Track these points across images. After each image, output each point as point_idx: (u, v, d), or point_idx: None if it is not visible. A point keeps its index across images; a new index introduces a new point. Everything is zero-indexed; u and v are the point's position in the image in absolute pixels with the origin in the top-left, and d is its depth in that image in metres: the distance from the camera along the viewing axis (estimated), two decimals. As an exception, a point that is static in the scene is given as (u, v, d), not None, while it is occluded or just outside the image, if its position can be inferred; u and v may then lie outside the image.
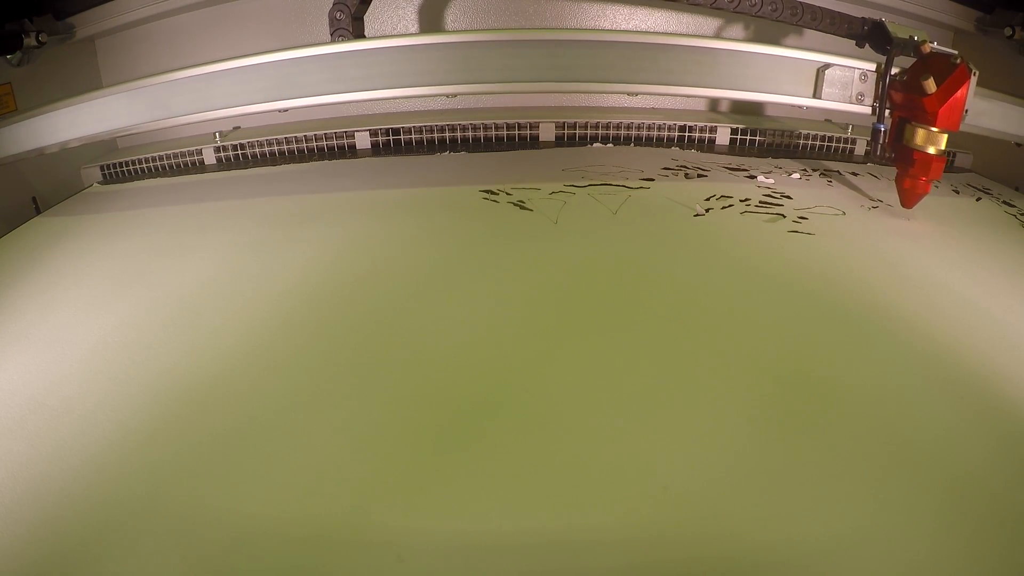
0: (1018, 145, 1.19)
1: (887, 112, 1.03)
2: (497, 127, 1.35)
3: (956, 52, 0.97)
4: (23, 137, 1.09)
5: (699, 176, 1.13)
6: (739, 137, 1.38)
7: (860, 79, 1.05)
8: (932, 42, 1.03)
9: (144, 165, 1.40)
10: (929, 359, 0.65)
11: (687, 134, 1.37)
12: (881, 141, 1.05)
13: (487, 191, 1.03)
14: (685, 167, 1.17)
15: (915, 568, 0.44)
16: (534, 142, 1.35)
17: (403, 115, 1.39)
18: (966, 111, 0.99)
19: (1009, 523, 0.48)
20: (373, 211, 1.00)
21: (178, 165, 1.39)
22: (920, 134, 0.99)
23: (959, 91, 0.96)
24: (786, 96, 1.05)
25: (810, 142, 1.38)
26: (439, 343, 0.68)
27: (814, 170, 1.22)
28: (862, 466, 0.53)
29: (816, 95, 1.05)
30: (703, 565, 0.45)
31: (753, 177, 1.14)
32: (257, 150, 1.38)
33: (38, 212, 1.27)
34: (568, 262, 0.82)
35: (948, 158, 1.43)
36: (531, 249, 0.85)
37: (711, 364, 0.64)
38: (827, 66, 1.04)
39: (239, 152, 1.38)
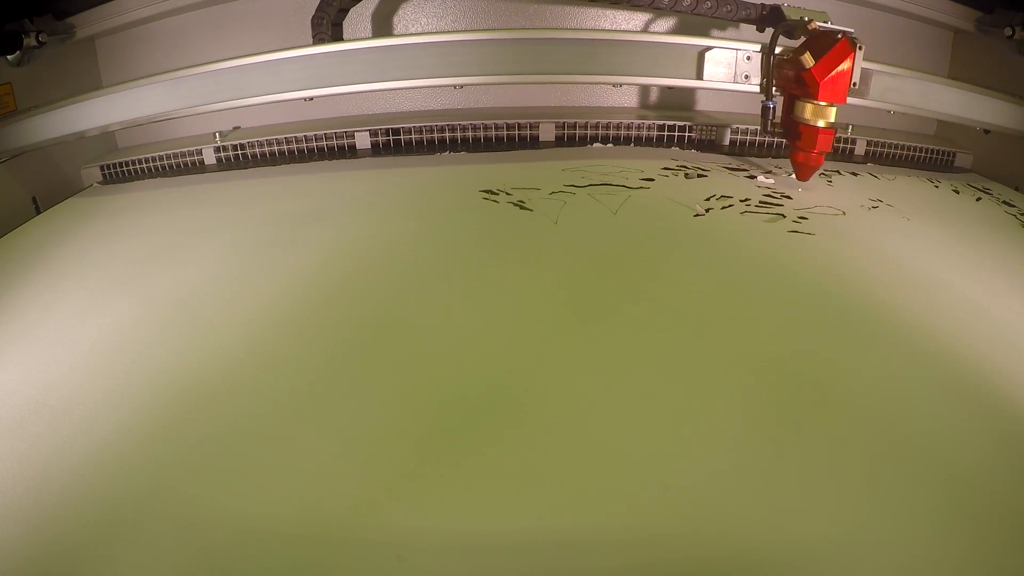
0: (986, 132, 1.22)
1: (775, 91, 1.10)
2: (497, 127, 1.35)
3: (847, 29, 1.03)
4: (47, 127, 1.15)
5: (699, 176, 1.13)
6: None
7: (744, 60, 1.12)
8: (826, 22, 1.07)
9: (144, 165, 1.39)
10: (929, 359, 0.65)
11: (687, 134, 1.37)
12: (771, 118, 1.11)
13: (487, 191, 1.03)
14: (685, 167, 1.17)
15: (915, 567, 0.44)
16: (534, 142, 1.34)
17: (403, 115, 1.39)
18: (854, 84, 1.05)
19: (1008, 522, 0.48)
20: (372, 211, 0.99)
21: (178, 165, 1.39)
22: (808, 108, 1.05)
23: (841, 64, 1.01)
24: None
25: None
26: (439, 343, 0.68)
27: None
28: (862, 466, 0.53)
29: (699, 76, 1.12)
30: (703, 565, 0.45)
31: (753, 177, 1.14)
32: (257, 150, 1.38)
33: (38, 212, 1.27)
34: (568, 262, 0.82)
35: (948, 159, 1.43)
36: (531, 249, 0.85)
37: (711, 364, 0.64)
38: (708, 49, 1.11)
39: (239, 152, 1.38)
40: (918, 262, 0.85)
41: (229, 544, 0.47)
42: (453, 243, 0.88)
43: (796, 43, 1.09)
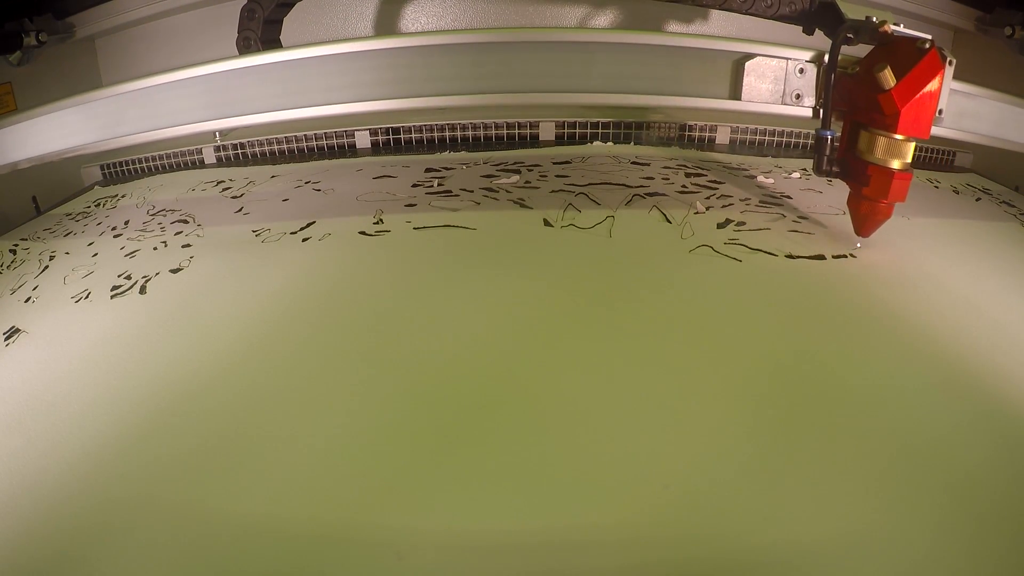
0: None
1: (832, 116, 0.82)
2: (497, 126, 1.35)
3: (928, 37, 0.75)
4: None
5: (699, 175, 1.13)
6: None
7: (796, 73, 0.82)
8: (898, 23, 0.78)
9: (144, 164, 1.40)
10: (929, 359, 0.65)
11: (687, 133, 1.37)
12: (827, 153, 0.83)
13: (487, 189, 1.04)
14: (685, 166, 1.17)
15: (916, 568, 0.44)
16: (534, 141, 1.35)
17: (403, 114, 1.39)
18: (940, 112, 0.77)
19: (1011, 524, 0.48)
20: (372, 210, 0.99)
21: (178, 164, 1.39)
22: (878, 143, 0.77)
23: (928, 85, 0.73)
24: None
25: (810, 141, 1.38)
26: (439, 342, 0.67)
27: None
28: (863, 466, 0.52)
29: (735, 95, 0.83)
30: (703, 565, 0.45)
31: (753, 177, 1.14)
32: (257, 149, 1.38)
33: (38, 211, 1.28)
34: (567, 260, 0.82)
35: (948, 159, 1.43)
36: (530, 248, 0.85)
37: (712, 363, 0.64)
38: (748, 56, 0.81)
39: (239, 152, 1.38)
40: (918, 262, 0.85)
41: (228, 542, 0.47)
42: (453, 242, 0.88)
43: (854, 53, 0.82)
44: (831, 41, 0.80)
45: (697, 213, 0.95)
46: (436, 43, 0.81)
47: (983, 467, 0.52)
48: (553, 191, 1.03)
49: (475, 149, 1.31)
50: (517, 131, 1.35)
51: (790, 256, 0.82)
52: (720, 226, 0.90)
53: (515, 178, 1.10)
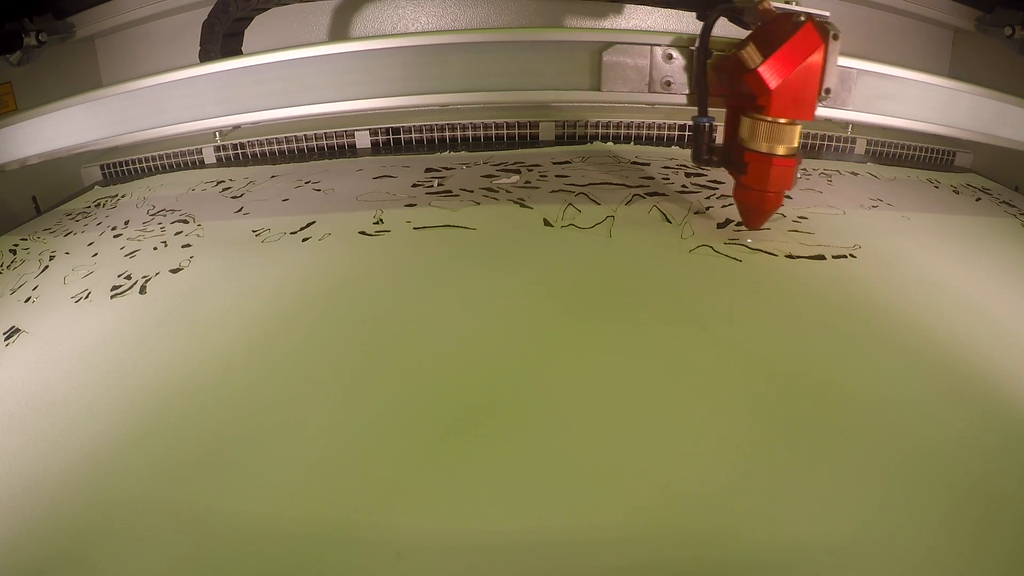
0: None
1: (711, 102, 0.77)
2: (497, 126, 1.35)
3: (820, 12, 0.70)
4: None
5: (699, 175, 1.13)
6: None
7: (663, 59, 0.77)
8: (790, 1, 0.72)
9: (144, 164, 1.40)
10: (929, 359, 0.65)
11: (687, 133, 1.36)
12: (706, 141, 0.79)
13: (487, 189, 1.04)
14: (685, 166, 1.17)
15: (916, 569, 0.44)
16: (534, 141, 1.35)
17: (403, 114, 1.39)
18: (826, 90, 0.72)
19: (1011, 524, 0.48)
20: (372, 210, 0.99)
21: (178, 164, 1.39)
22: (759, 128, 0.71)
23: (803, 61, 0.68)
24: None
25: (809, 141, 1.38)
26: (439, 342, 0.67)
27: (813, 169, 1.22)
28: (863, 465, 0.52)
29: (597, 86, 0.78)
30: (703, 565, 0.45)
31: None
32: (257, 149, 1.38)
33: (38, 211, 1.28)
34: (567, 260, 0.82)
35: (948, 158, 1.43)
36: (530, 248, 0.85)
37: (712, 363, 0.64)
38: (607, 45, 0.76)
39: (239, 152, 1.38)
40: (918, 262, 0.85)
41: (228, 542, 0.47)
42: (452, 241, 0.88)
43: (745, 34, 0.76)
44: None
45: (697, 213, 0.95)
46: (437, 43, 0.81)
47: (983, 467, 0.52)
48: (553, 191, 1.03)
49: (475, 149, 1.31)
50: (517, 131, 1.35)
51: (790, 256, 0.83)
52: (720, 226, 0.90)
53: (515, 178, 1.10)
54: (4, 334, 0.77)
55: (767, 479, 0.51)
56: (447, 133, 1.36)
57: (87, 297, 0.82)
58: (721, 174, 1.13)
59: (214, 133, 1.37)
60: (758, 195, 0.78)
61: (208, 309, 0.76)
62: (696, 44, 0.76)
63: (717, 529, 0.47)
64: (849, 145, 1.39)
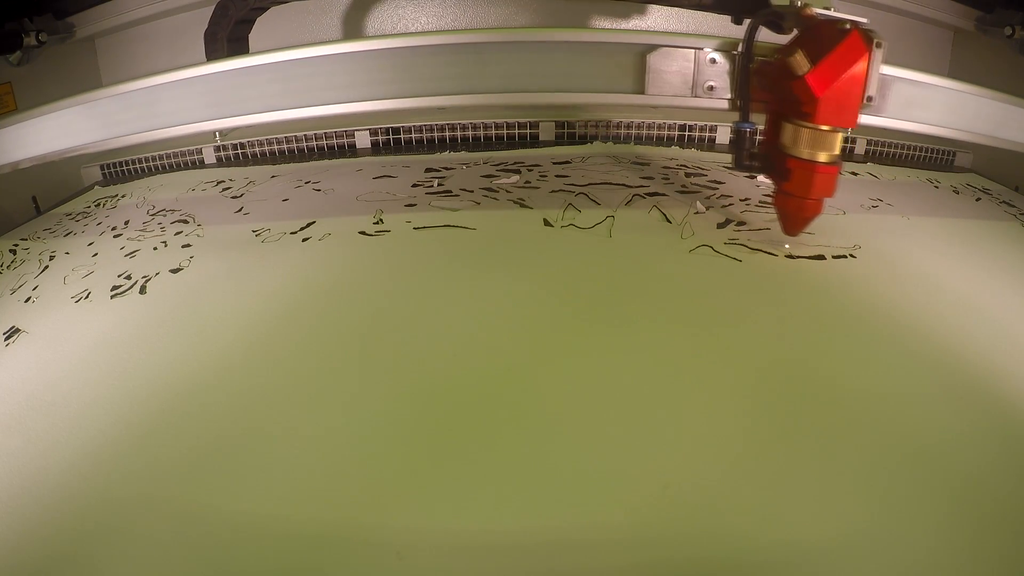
0: None
1: (753, 108, 0.78)
2: (497, 126, 1.35)
3: (859, 19, 0.70)
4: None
5: (699, 175, 1.13)
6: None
7: (707, 63, 0.77)
8: (828, 7, 0.72)
9: (144, 164, 1.40)
10: (929, 359, 0.65)
11: (687, 133, 1.37)
12: (747, 147, 0.78)
13: (487, 189, 1.04)
14: (685, 166, 1.17)
15: (916, 569, 0.44)
16: (534, 141, 1.35)
17: (403, 114, 1.39)
18: (869, 98, 0.72)
19: (1012, 524, 0.48)
20: (372, 210, 0.99)
21: (178, 164, 1.39)
22: (801, 135, 0.72)
23: (850, 69, 0.68)
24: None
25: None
26: (439, 342, 0.67)
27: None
28: (863, 466, 0.52)
29: (639, 89, 0.78)
30: (703, 565, 0.45)
31: (753, 176, 1.14)
32: (257, 149, 1.38)
33: (38, 212, 1.28)
34: (567, 260, 0.82)
35: (948, 158, 1.43)
36: (530, 248, 0.85)
37: (712, 363, 0.64)
38: (652, 48, 0.76)
39: (239, 152, 1.38)
40: (918, 262, 0.85)
41: (228, 542, 0.47)
42: (452, 241, 0.88)
43: (785, 40, 0.76)
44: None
45: (697, 213, 0.95)
46: (436, 43, 0.81)
47: (984, 467, 0.52)
48: (553, 191, 1.03)
49: (475, 149, 1.31)
50: (517, 131, 1.35)
51: (790, 256, 0.83)
52: (720, 226, 0.90)
53: (515, 178, 1.10)
54: (4, 334, 0.77)
55: (766, 479, 0.51)
56: (447, 133, 1.36)
57: (87, 297, 0.82)
58: (721, 174, 1.13)
59: (214, 133, 1.37)
60: (799, 202, 0.77)
61: (208, 309, 0.76)
62: (740, 49, 0.76)
63: (716, 529, 0.47)
64: (849, 145, 1.39)
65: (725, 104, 0.80)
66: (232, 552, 0.46)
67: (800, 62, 0.68)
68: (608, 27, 1.34)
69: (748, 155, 0.80)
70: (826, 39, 0.69)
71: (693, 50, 0.77)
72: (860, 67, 0.69)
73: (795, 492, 0.50)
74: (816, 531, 0.47)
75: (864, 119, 0.75)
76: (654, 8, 1.35)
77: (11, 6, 1.21)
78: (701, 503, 0.49)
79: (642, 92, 0.79)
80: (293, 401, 0.60)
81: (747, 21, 0.77)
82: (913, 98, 0.79)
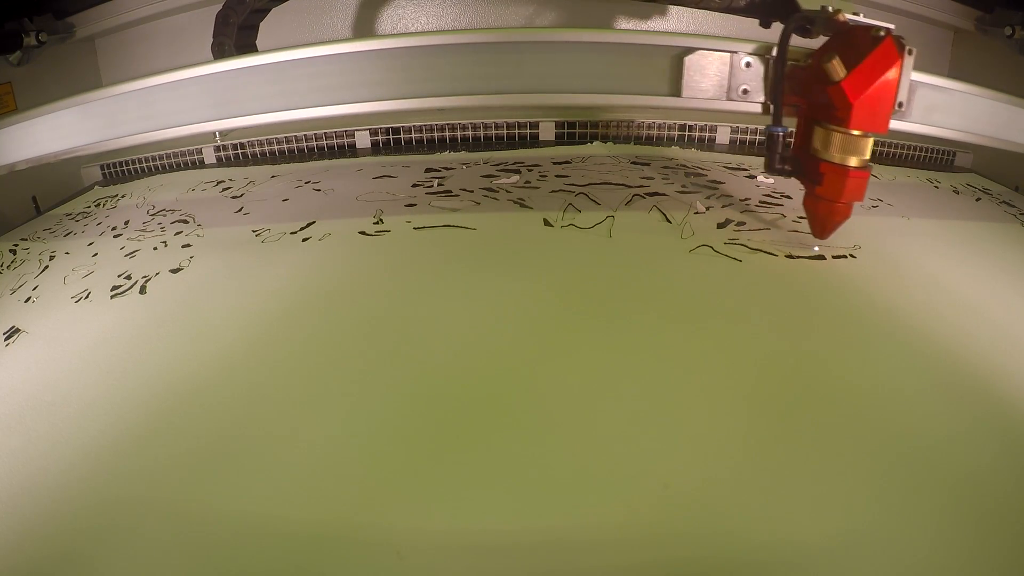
0: None
1: (785, 111, 0.78)
2: (497, 126, 1.35)
3: (888, 25, 0.71)
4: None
5: (699, 175, 1.13)
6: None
7: (742, 67, 0.78)
8: (857, 13, 0.74)
9: (144, 164, 1.40)
10: (929, 359, 0.65)
11: (687, 133, 1.37)
12: (779, 150, 0.79)
13: (487, 189, 1.04)
14: (685, 166, 1.17)
15: (916, 569, 0.44)
16: (534, 141, 1.35)
17: (403, 114, 1.39)
18: (900, 105, 0.74)
19: (1012, 524, 0.48)
20: (372, 210, 0.99)
21: (178, 164, 1.39)
22: (833, 139, 0.73)
23: (883, 76, 0.69)
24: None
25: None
26: (439, 342, 0.67)
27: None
28: (863, 466, 0.52)
29: (675, 92, 0.79)
30: (703, 565, 0.45)
31: (753, 177, 1.14)
32: (257, 149, 1.38)
33: (38, 212, 1.28)
34: (567, 260, 0.82)
35: (948, 158, 1.43)
36: (530, 248, 0.85)
37: (712, 363, 0.64)
38: (688, 51, 0.77)
39: (239, 152, 1.38)
40: (918, 262, 0.85)
41: (228, 542, 0.47)
42: (452, 241, 0.88)
43: (811, 44, 0.78)
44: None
45: (697, 213, 0.95)
46: (436, 43, 0.81)
47: (983, 467, 0.52)
48: (553, 191, 1.03)
49: (475, 149, 1.32)
50: (517, 131, 1.35)
51: (790, 256, 0.83)
52: (720, 226, 0.90)
53: (515, 178, 1.10)
54: (4, 334, 0.77)
55: (767, 479, 0.51)
56: (447, 133, 1.36)
57: (87, 297, 0.82)
58: (721, 174, 1.13)
59: (214, 133, 1.37)
60: (829, 205, 0.79)
61: (208, 309, 0.76)
62: (774, 53, 0.76)
63: (716, 529, 0.47)
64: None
65: (758, 108, 0.81)
66: (232, 552, 0.46)
67: (837, 68, 0.69)
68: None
69: (780, 158, 0.81)
70: (861, 46, 0.70)
71: (729, 54, 0.78)
72: (893, 74, 0.70)
73: (795, 492, 0.50)
74: (817, 531, 0.47)
75: (892, 124, 0.76)
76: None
77: (11, 6, 1.21)
78: (701, 502, 0.49)
79: (678, 95, 0.79)
80: (293, 401, 0.60)
81: (775, 25, 0.79)
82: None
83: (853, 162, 0.74)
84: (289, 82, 0.84)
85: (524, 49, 0.79)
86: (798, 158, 0.80)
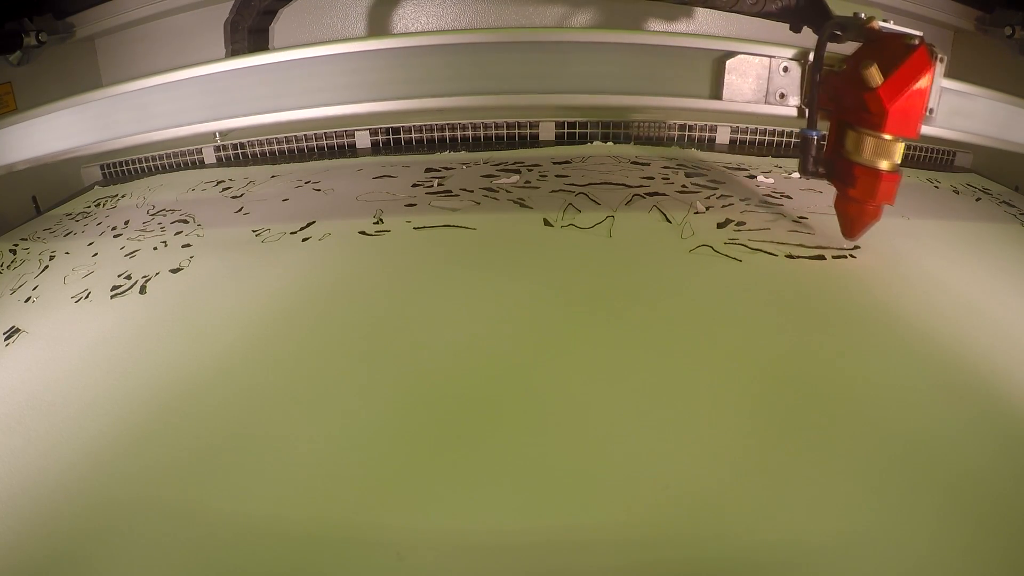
0: None
1: (819, 115, 0.80)
2: (497, 126, 1.35)
3: (918, 33, 0.74)
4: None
5: (699, 175, 1.13)
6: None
7: (780, 71, 0.80)
8: (887, 20, 0.77)
9: (144, 164, 1.40)
10: (929, 358, 0.65)
11: (687, 133, 1.37)
12: (813, 153, 0.81)
13: (487, 189, 1.04)
14: (685, 165, 1.17)
15: (916, 569, 0.44)
16: (534, 141, 1.35)
17: (403, 114, 1.39)
18: (930, 111, 0.77)
19: (1011, 524, 0.48)
20: (372, 210, 0.99)
21: (178, 164, 1.39)
22: (866, 143, 0.75)
23: (917, 83, 0.72)
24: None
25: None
26: (439, 342, 0.67)
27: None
28: (863, 465, 0.52)
29: (716, 95, 0.80)
30: (703, 565, 0.45)
31: (753, 177, 1.14)
32: (257, 149, 1.38)
33: (38, 212, 1.28)
34: (567, 260, 0.82)
35: (948, 158, 1.43)
36: (530, 248, 0.85)
37: (712, 363, 0.64)
38: (730, 55, 0.79)
39: (239, 152, 1.38)
40: (918, 262, 0.85)
41: (228, 543, 0.47)
42: (451, 241, 0.88)
43: (849, 50, 0.80)
44: (817, 38, 0.79)
45: (697, 213, 0.95)
46: (436, 43, 0.81)
47: (983, 467, 0.52)
48: (553, 191, 1.03)
49: (475, 149, 1.31)
50: (517, 131, 1.35)
51: (790, 256, 0.83)
52: (720, 226, 0.90)
53: (515, 178, 1.10)
54: (4, 334, 0.77)
55: (767, 479, 0.51)
56: (447, 133, 1.36)
57: (87, 297, 0.82)
58: (721, 174, 1.13)
59: (214, 133, 1.37)
60: (860, 207, 0.80)
61: (208, 309, 0.76)
62: (810, 58, 0.79)
63: (716, 529, 0.47)
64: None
65: (794, 112, 0.82)
66: (232, 553, 0.46)
67: (874, 75, 0.71)
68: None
69: (814, 161, 0.82)
70: (896, 53, 0.73)
71: (769, 58, 0.80)
72: (926, 81, 0.73)
73: (796, 492, 0.50)
74: (816, 530, 0.47)
75: (925, 130, 0.78)
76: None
77: (11, 6, 1.21)
78: (701, 503, 0.49)
79: (719, 98, 0.81)
80: (293, 401, 0.60)
81: (805, 29, 0.81)
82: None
83: (883, 165, 0.76)
84: (289, 82, 0.84)
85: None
86: (831, 160, 0.82)
